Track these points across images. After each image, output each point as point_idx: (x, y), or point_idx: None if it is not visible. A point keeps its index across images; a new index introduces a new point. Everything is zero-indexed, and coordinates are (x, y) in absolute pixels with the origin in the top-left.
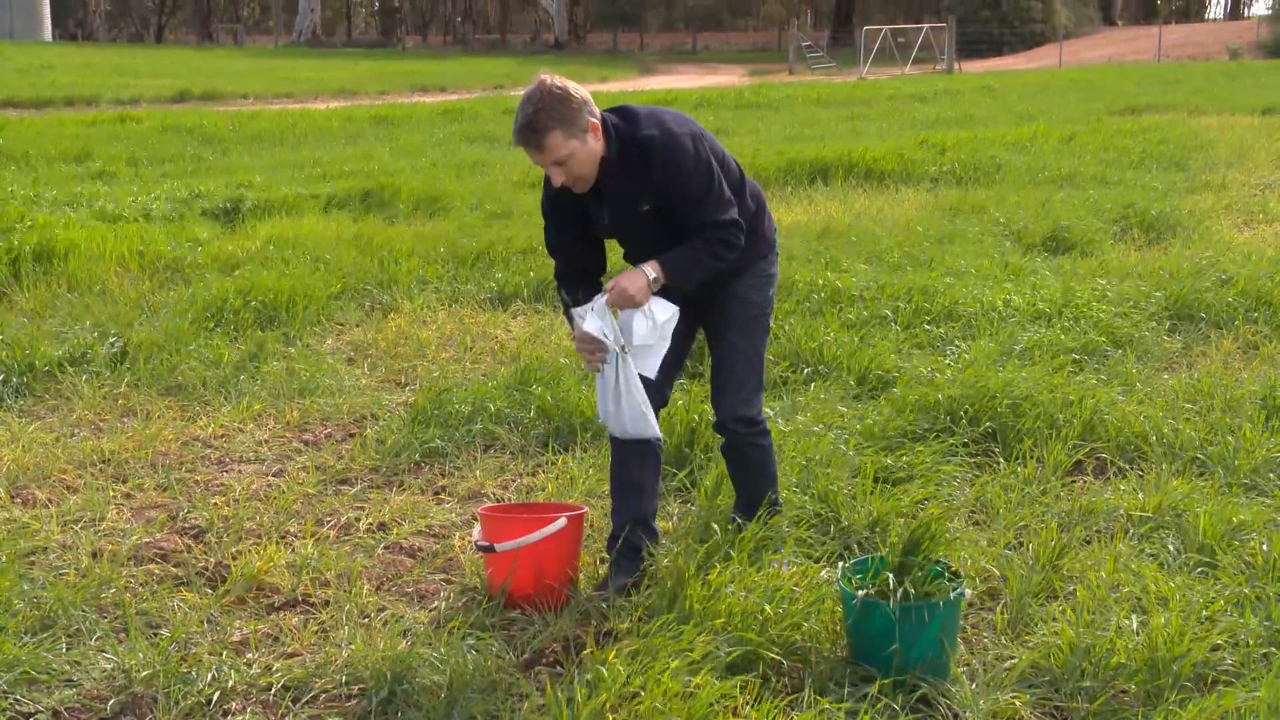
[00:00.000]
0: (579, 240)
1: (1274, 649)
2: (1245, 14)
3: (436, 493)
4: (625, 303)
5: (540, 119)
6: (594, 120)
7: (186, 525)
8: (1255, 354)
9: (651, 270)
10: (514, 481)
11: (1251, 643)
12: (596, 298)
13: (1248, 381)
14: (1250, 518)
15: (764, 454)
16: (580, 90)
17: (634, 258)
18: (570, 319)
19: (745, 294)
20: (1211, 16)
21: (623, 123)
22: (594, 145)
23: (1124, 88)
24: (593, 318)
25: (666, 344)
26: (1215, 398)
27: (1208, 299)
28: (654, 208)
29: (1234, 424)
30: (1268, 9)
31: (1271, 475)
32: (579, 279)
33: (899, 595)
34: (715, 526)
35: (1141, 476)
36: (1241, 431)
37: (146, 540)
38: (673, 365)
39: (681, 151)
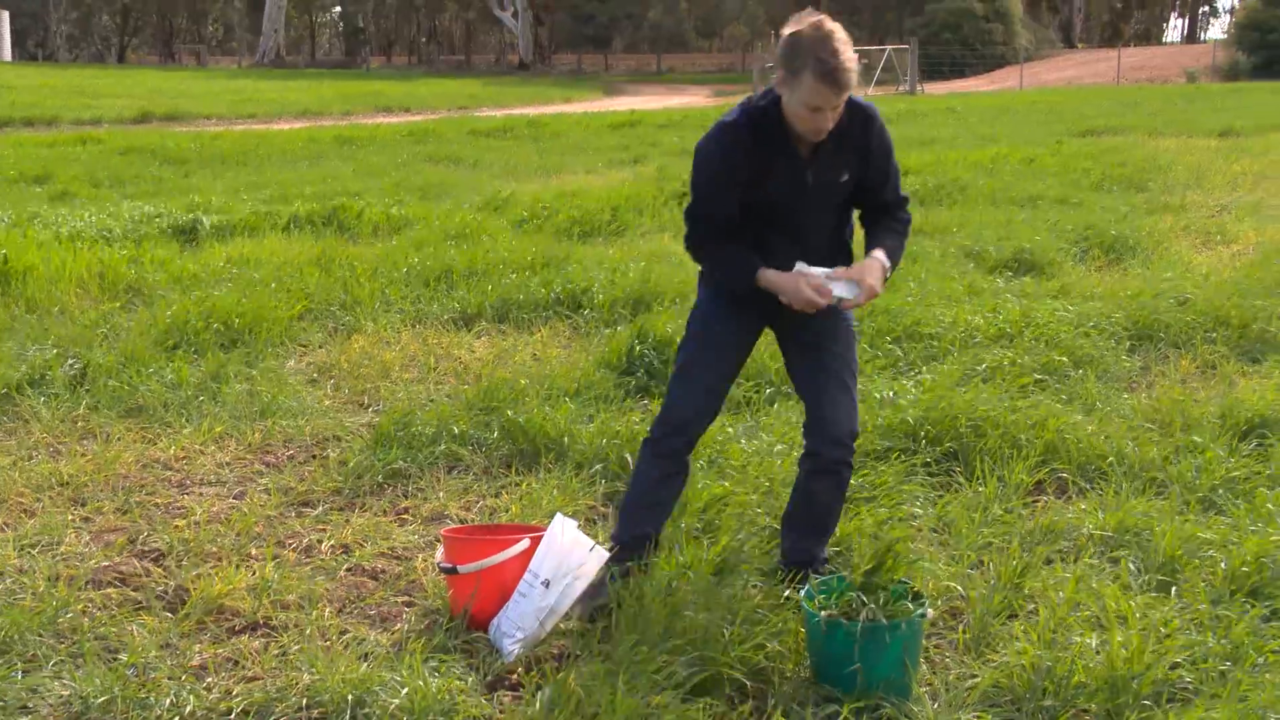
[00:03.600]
0: (733, 207)
1: (1232, 667)
2: (1201, 38)
3: (399, 514)
4: (869, 298)
5: (850, 58)
6: None
7: (146, 548)
8: (1213, 373)
9: (886, 259)
10: (477, 503)
11: (1210, 661)
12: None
13: (1206, 401)
14: (1210, 536)
15: (850, 474)
16: None
17: (785, 240)
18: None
19: (844, 316)
20: (1169, 40)
21: None
22: None
23: (1084, 110)
24: (838, 286)
25: None
26: (1175, 417)
27: (1167, 319)
28: (848, 181)
29: (1193, 443)
30: (1223, 33)
31: (1230, 494)
32: (729, 238)
33: (862, 616)
34: (678, 545)
35: (1102, 496)
36: (1201, 451)
37: (105, 564)
38: (730, 377)
39: (888, 134)
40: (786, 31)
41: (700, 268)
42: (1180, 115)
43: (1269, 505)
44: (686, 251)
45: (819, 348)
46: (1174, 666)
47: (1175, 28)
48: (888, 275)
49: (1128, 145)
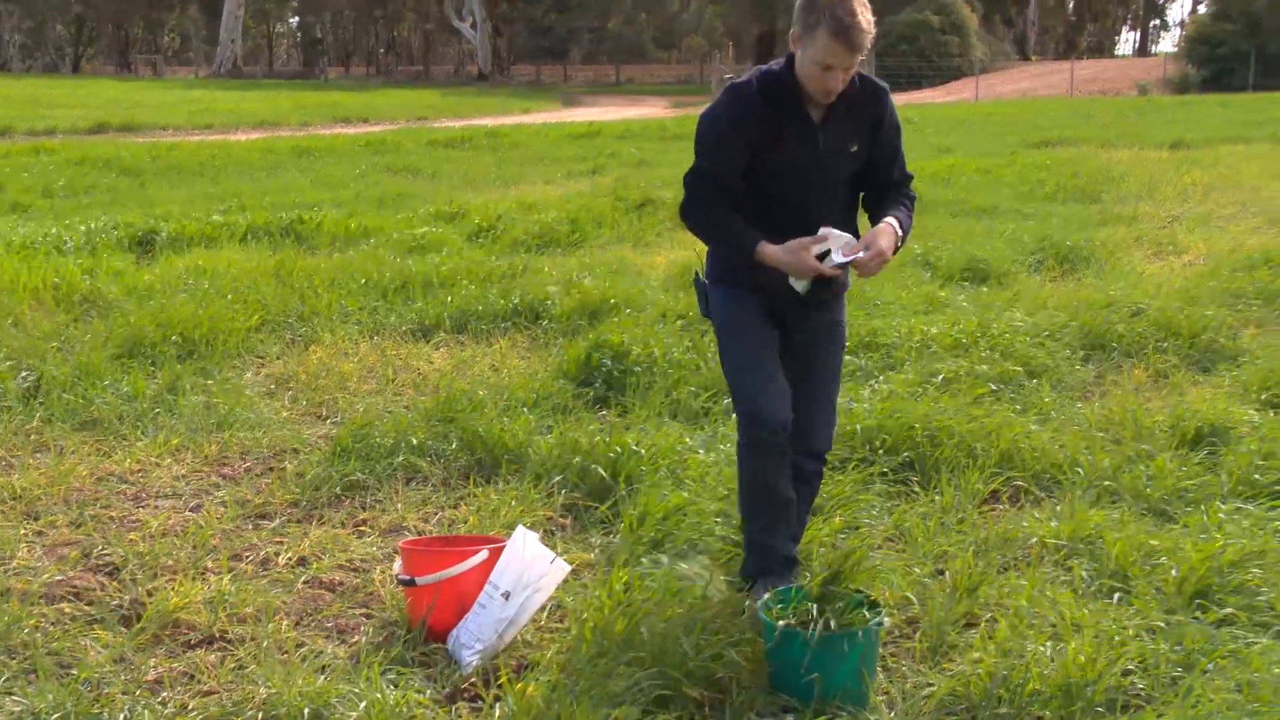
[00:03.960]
0: (739, 172)
1: (1184, 673)
2: (1152, 51)
3: (357, 526)
4: (879, 268)
5: (868, 20)
6: None
7: (100, 562)
8: (1165, 383)
9: (897, 226)
10: (436, 514)
11: (1162, 667)
12: (835, 237)
13: (1157, 410)
14: (1161, 544)
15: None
16: None
17: (793, 214)
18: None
19: (841, 318)
20: (1121, 53)
21: None
22: None
23: (1038, 121)
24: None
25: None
26: (1127, 426)
27: (1120, 329)
28: (859, 152)
29: (1145, 452)
30: (1174, 47)
31: (1181, 502)
32: (732, 206)
33: (819, 625)
34: (640, 557)
35: (1056, 504)
36: (1152, 459)
37: (59, 578)
38: (779, 362)
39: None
40: None
41: (703, 256)
42: (1132, 127)
43: (1219, 513)
44: (682, 220)
45: (811, 355)
46: (1127, 673)
47: (1127, 41)
48: (899, 244)
49: (1081, 156)
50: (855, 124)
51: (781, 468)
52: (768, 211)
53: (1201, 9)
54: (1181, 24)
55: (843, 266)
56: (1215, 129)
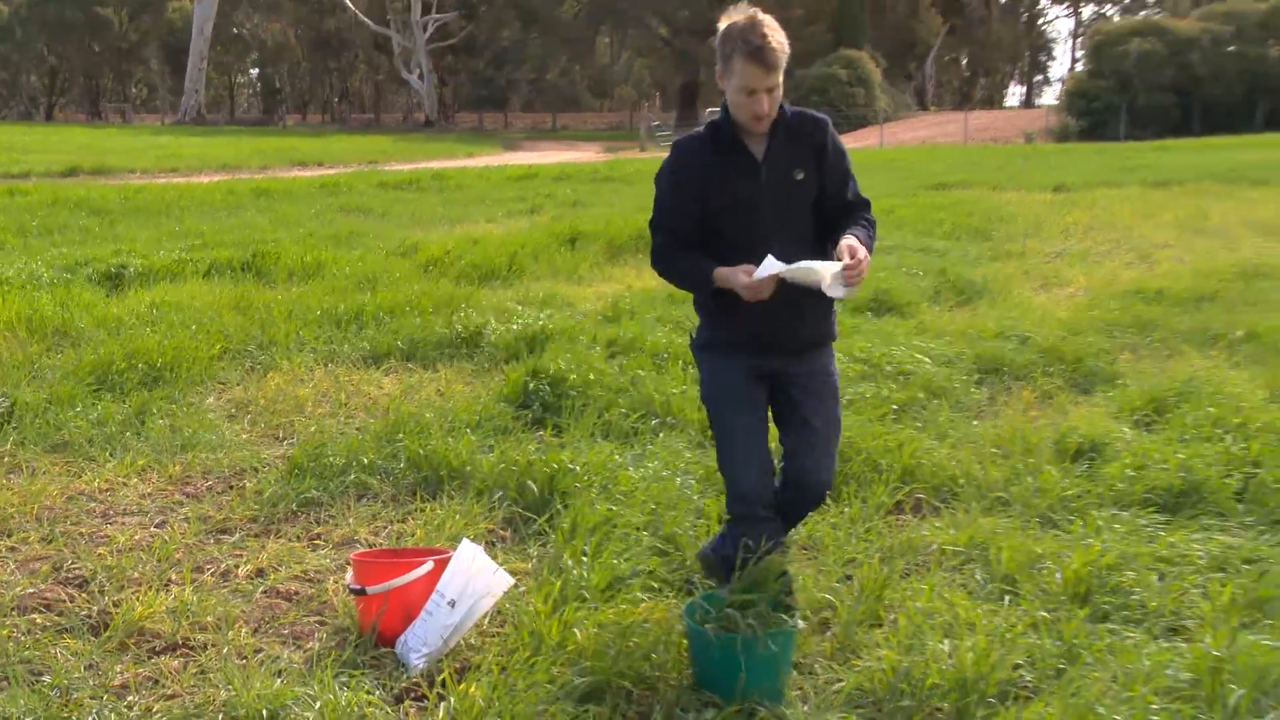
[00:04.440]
0: (694, 217)
1: (1067, 666)
2: (1037, 103)
3: (312, 540)
4: (862, 275)
5: (777, 40)
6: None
7: (70, 575)
8: (1050, 403)
9: (859, 239)
10: (385, 528)
11: (1047, 661)
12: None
13: (1044, 428)
14: (1046, 549)
15: None
16: None
17: (751, 243)
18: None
19: (829, 367)
20: (1010, 105)
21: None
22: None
23: (935, 166)
24: (772, 265)
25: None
26: (1016, 443)
27: (1010, 355)
28: (806, 180)
29: (1032, 465)
30: (1055, 100)
31: (1065, 510)
32: (693, 246)
33: (741, 628)
34: (571, 564)
35: (954, 514)
36: (1039, 472)
37: (30, 591)
38: (765, 429)
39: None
40: (721, 27)
41: (691, 331)
42: (1019, 172)
43: (1098, 521)
44: (654, 268)
45: (804, 405)
46: (1016, 667)
47: (1015, 94)
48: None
49: (975, 198)
50: (798, 154)
51: (760, 532)
52: (727, 248)
53: (1079, 67)
54: (1062, 80)
55: (831, 285)
56: (1092, 174)
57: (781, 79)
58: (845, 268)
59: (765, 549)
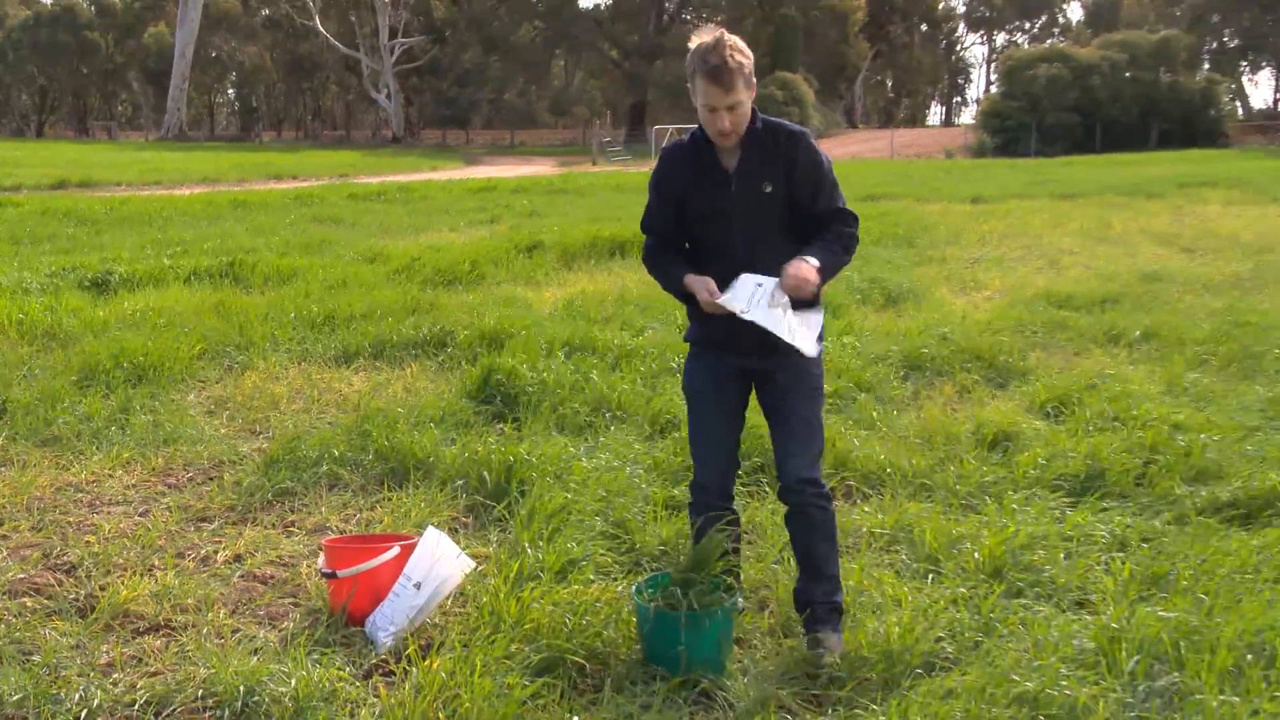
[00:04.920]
0: (676, 221)
1: (984, 638)
2: (956, 122)
3: (286, 527)
4: (801, 286)
5: (736, 60)
6: (754, 87)
7: (59, 562)
8: (969, 397)
9: (812, 258)
10: (355, 516)
11: (966, 634)
12: (747, 281)
13: (963, 420)
14: (965, 531)
15: (827, 516)
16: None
17: (726, 255)
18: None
19: (807, 365)
20: (931, 123)
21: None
22: (750, 107)
23: (865, 180)
24: (740, 296)
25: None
26: (939, 433)
27: (932, 353)
28: (775, 192)
29: (953, 454)
30: (972, 119)
31: (983, 495)
32: (675, 249)
33: (685, 606)
34: (528, 548)
35: (881, 499)
36: (959, 460)
37: (21, 576)
38: (732, 427)
39: (821, 152)
40: (690, 46)
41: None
42: (941, 185)
43: (1012, 504)
44: (644, 265)
45: (783, 405)
46: (938, 640)
47: (936, 113)
48: (820, 270)
49: (901, 209)
50: (768, 167)
51: (711, 518)
52: (705, 254)
53: (993, 89)
54: (978, 101)
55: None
56: (1006, 187)
57: (747, 96)
58: (778, 284)
59: (711, 534)
